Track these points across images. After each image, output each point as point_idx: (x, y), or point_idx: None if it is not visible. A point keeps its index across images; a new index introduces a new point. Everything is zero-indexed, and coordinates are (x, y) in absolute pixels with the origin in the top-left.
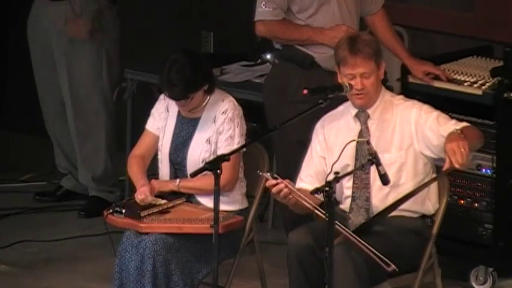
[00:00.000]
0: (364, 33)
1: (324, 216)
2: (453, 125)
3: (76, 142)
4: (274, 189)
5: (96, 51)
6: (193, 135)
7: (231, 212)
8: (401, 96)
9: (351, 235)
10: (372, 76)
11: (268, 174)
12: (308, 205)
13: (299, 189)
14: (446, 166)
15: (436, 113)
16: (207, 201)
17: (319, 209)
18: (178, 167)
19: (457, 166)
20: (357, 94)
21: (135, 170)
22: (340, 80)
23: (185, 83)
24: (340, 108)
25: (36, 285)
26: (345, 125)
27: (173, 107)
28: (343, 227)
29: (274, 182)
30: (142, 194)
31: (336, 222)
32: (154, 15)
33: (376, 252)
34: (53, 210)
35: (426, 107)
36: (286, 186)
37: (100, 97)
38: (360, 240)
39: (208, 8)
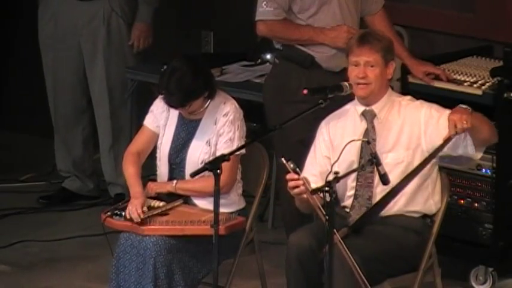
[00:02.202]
0: (378, 30)
1: (323, 217)
2: None
3: (109, 140)
4: (291, 183)
5: (127, 48)
6: (194, 136)
7: (229, 213)
8: (409, 97)
9: (344, 247)
10: (377, 68)
11: (292, 165)
12: (317, 208)
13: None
14: (447, 135)
15: (447, 112)
16: (204, 204)
17: (323, 210)
18: (175, 167)
19: (453, 132)
20: (359, 83)
21: (130, 171)
22: (349, 74)
23: (183, 93)
24: (347, 107)
25: (36, 285)
26: (351, 124)
27: None
28: (339, 237)
29: (295, 176)
30: (134, 212)
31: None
32: (154, 15)
33: (360, 273)
34: (53, 210)
35: (436, 106)
36: (303, 184)
37: (124, 92)
38: (350, 255)
39: (208, 8)
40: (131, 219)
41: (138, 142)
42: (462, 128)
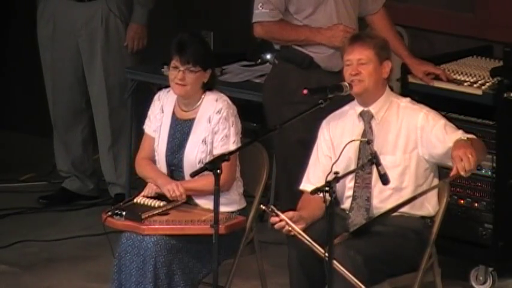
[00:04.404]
0: (374, 31)
1: (320, 252)
2: (460, 135)
3: (108, 140)
4: (276, 226)
5: (124, 48)
6: (189, 136)
7: (230, 212)
8: (408, 99)
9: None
10: (369, 65)
11: (270, 208)
12: (306, 241)
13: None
14: (452, 173)
15: (443, 121)
16: (205, 203)
17: (316, 245)
18: (174, 169)
19: (462, 173)
20: (352, 80)
21: (149, 168)
22: (344, 73)
23: (198, 45)
24: (346, 107)
25: (36, 285)
26: (350, 124)
27: (168, 107)
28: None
29: (277, 219)
30: (176, 191)
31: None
32: (154, 15)
33: (357, 281)
34: (53, 210)
35: (433, 113)
36: (287, 223)
37: (123, 92)
38: (344, 270)
39: (208, 8)
40: (134, 218)
41: (145, 149)
42: (468, 161)
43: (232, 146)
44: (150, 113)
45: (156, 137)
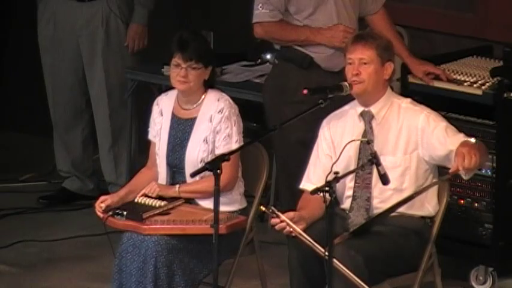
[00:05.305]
0: (374, 31)
1: (321, 252)
2: (462, 138)
3: (109, 140)
4: (277, 227)
5: (125, 48)
6: (190, 135)
7: (231, 212)
8: (410, 100)
9: (342, 267)
10: (370, 66)
11: (270, 210)
12: (306, 241)
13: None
14: (452, 169)
15: (444, 123)
16: (206, 203)
17: (317, 245)
18: (176, 169)
19: (461, 169)
20: (353, 80)
21: (135, 176)
22: (345, 72)
23: (199, 42)
24: (346, 107)
25: (36, 285)
26: (350, 124)
27: (167, 109)
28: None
29: (277, 220)
30: (100, 201)
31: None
32: (154, 15)
33: (359, 281)
34: (53, 210)
35: (435, 115)
36: (288, 224)
37: (123, 92)
38: (350, 272)
39: (208, 8)
40: (135, 218)
41: (149, 158)
42: (470, 159)
43: (234, 146)
44: (151, 118)
45: (157, 141)
